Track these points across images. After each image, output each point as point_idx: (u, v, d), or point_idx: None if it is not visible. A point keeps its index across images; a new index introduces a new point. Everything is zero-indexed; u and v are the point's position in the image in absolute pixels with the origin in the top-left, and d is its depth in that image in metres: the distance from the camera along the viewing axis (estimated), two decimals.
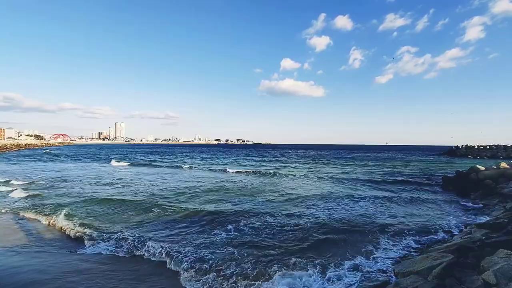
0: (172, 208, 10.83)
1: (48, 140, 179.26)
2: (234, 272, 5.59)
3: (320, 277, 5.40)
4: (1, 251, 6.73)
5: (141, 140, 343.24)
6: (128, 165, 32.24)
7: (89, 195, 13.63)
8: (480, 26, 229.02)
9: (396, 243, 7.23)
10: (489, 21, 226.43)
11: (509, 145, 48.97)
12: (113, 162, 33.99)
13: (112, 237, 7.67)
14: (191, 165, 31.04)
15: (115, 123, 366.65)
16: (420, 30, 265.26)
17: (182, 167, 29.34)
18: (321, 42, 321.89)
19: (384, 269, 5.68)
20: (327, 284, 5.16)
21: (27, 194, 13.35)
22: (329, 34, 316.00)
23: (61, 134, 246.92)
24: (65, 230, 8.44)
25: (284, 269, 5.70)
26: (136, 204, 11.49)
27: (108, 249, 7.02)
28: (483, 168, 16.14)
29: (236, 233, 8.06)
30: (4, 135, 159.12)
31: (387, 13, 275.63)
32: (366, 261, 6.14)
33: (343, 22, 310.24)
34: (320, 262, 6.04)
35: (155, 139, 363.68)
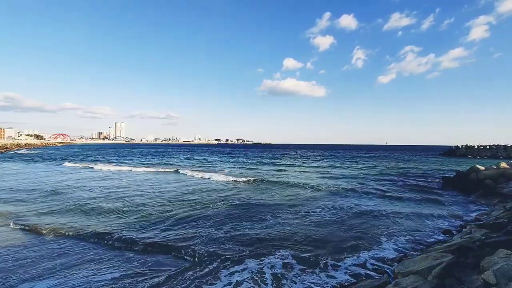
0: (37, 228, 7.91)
1: (48, 140, 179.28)
2: None
3: (316, 276, 5.38)
4: None
5: (141, 140, 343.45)
6: (79, 167, 28.45)
7: None
8: (485, 25, 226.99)
9: (395, 242, 7.21)
10: (494, 20, 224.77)
11: (509, 145, 48.94)
12: (66, 164, 31.59)
13: None
14: (156, 167, 28.10)
15: (115, 123, 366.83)
16: (425, 30, 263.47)
17: (122, 170, 25.53)
18: (324, 42, 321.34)
19: (384, 269, 5.67)
20: (323, 283, 5.15)
21: None
22: (333, 34, 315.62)
23: (61, 134, 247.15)
24: None
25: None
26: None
27: None
28: (483, 168, 16.11)
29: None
30: (4, 135, 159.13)
31: (392, 12, 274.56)
32: (364, 260, 6.10)
33: (347, 21, 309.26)
34: (315, 261, 6.02)
35: (155, 139, 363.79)
